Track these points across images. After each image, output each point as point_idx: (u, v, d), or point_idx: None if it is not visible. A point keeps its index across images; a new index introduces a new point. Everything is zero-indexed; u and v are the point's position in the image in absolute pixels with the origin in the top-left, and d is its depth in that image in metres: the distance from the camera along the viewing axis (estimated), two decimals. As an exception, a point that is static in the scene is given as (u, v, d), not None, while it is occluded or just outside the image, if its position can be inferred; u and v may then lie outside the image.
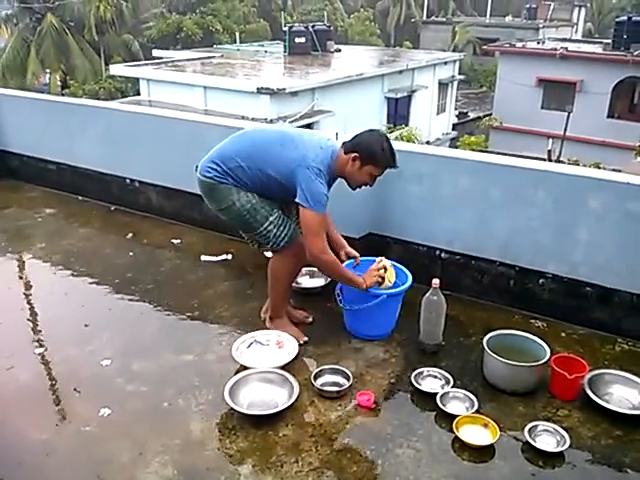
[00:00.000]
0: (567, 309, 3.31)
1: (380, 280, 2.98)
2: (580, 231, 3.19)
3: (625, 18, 24.47)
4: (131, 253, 4.19)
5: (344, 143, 2.91)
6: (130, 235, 4.46)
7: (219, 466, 2.32)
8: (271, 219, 2.92)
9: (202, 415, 2.59)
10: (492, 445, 2.42)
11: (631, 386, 2.74)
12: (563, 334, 3.24)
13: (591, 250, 3.19)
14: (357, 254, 3.20)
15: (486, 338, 2.83)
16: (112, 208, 5.00)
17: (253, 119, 12.78)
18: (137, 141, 4.71)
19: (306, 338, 3.08)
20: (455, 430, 2.45)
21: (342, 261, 3.11)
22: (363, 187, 2.99)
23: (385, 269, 3.01)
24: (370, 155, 2.82)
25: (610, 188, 3.09)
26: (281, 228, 2.93)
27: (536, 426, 2.50)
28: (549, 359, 2.74)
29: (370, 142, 2.84)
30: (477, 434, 2.46)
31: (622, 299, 3.18)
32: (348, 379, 2.75)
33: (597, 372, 2.79)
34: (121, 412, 2.61)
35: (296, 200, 2.78)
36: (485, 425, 2.49)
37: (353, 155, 2.83)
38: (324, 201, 2.78)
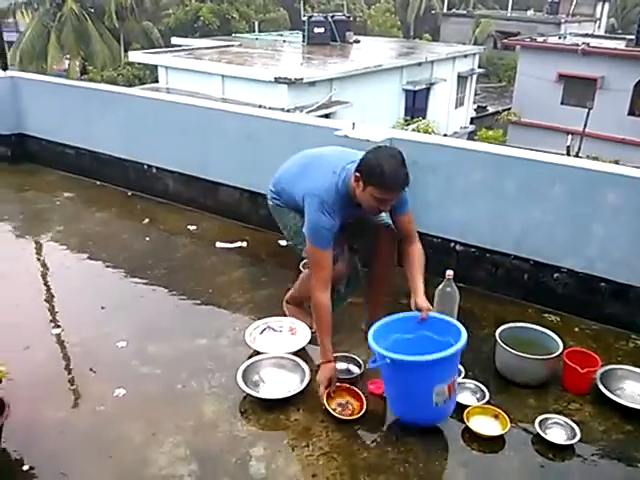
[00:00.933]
0: (581, 304, 3.30)
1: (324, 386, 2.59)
2: (596, 226, 3.17)
3: (649, 13, 24.07)
4: (147, 238, 4.24)
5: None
6: (147, 220, 4.51)
7: (231, 448, 2.35)
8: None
9: (215, 398, 2.62)
10: (502, 436, 2.43)
11: (644, 382, 2.74)
12: (576, 329, 3.23)
13: (607, 245, 3.17)
14: (426, 308, 2.61)
15: (499, 330, 2.84)
16: (129, 193, 5.05)
17: (270, 108, 12.79)
18: (155, 127, 4.75)
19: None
20: (465, 420, 2.46)
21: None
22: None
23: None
24: (369, 175, 2.49)
25: (626, 183, 3.08)
26: None
27: (547, 419, 2.50)
28: (561, 353, 2.74)
29: (370, 160, 2.51)
30: (487, 425, 2.47)
31: (637, 295, 3.16)
32: (359, 367, 2.77)
33: (610, 367, 2.79)
34: (135, 393, 2.66)
35: (303, 230, 2.69)
36: (495, 416, 2.50)
37: (355, 175, 2.55)
38: (326, 235, 2.59)
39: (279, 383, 2.66)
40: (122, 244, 4.16)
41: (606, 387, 2.68)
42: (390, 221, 2.87)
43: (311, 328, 3.01)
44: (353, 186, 2.58)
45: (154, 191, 4.92)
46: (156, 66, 18.27)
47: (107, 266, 3.82)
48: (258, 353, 2.83)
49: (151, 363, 2.86)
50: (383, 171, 2.45)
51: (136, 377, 2.77)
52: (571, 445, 2.40)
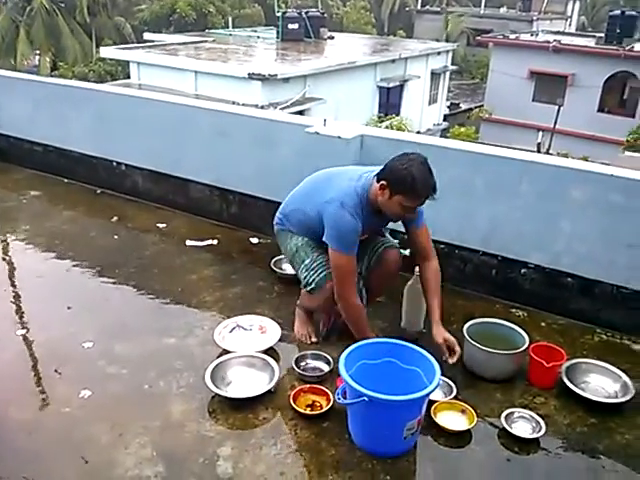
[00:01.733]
0: (548, 299, 3.35)
1: None
2: (563, 222, 3.22)
3: (619, 12, 24.51)
4: (116, 236, 4.18)
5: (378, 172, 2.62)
6: (115, 218, 4.45)
7: (198, 448, 2.34)
8: (306, 262, 2.83)
9: (182, 398, 2.60)
10: (469, 431, 2.45)
11: (607, 375, 2.79)
12: (543, 323, 3.28)
13: (574, 241, 3.22)
14: (443, 341, 2.68)
15: (466, 326, 2.86)
16: (98, 191, 4.97)
17: (244, 105, 12.73)
18: (125, 124, 4.69)
19: (315, 339, 3.01)
20: (433, 416, 2.48)
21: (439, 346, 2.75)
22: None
23: None
24: (398, 183, 2.48)
25: (594, 180, 3.13)
26: (311, 272, 2.81)
27: (513, 413, 2.54)
28: (528, 347, 2.77)
29: (398, 168, 2.48)
30: (455, 420, 2.49)
31: (602, 290, 3.22)
32: (329, 364, 2.77)
33: (575, 361, 2.83)
34: (102, 394, 2.62)
35: (323, 239, 2.66)
36: (463, 411, 2.52)
37: (381, 183, 2.53)
38: (351, 238, 2.59)
39: (248, 382, 2.65)
40: (90, 242, 4.10)
41: (571, 381, 2.72)
42: (394, 241, 2.94)
43: (308, 339, 3.01)
44: (375, 193, 2.58)
45: (123, 189, 4.86)
46: (128, 62, 18.04)
47: (74, 265, 3.76)
48: (227, 352, 2.81)
49: (118, 363, 2.82)
50: (414, 180, 2.44)
51: (102, 378, 2.73)
52: (536, 438, 2.44)
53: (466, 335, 2.81)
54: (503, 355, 2.74)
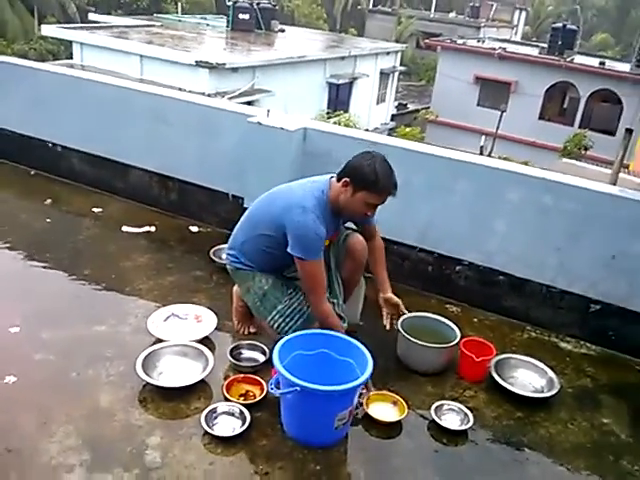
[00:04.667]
0: (481, 296, 3.44)
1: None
2: (497, 222, 3.31)
3: (560, 25, 25.44)
4: (48, 220, 4.03)
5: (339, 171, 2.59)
6: (49, 201, 4.28)
7: (126, 437, 2.28)
8: (278, 308, 2.68)
9: (112, 386, 2.53)
10: (399, 422, 2.49)
11: (534, 371, 2.90)
12: (475, 319, 3.37)
13: (506, 240, 3.32)
14: (397, 301, 2.83)
15: (400, 320, 2.90)
16: (32, 172, 4.78)
17: (190, 92, 12.50)
18: (62, 104, 4.52)
19: (253, 330, 2.96)
20: (365, 407, 2.50)
21: (379, 305, 2.88)
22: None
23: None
24: (361, 179, 2.47)
25: (527, 182, 3.23)
26: (287, 319, 2.67)
27: (442, 405, 2.59)
28: (459, 342, 2.84)
29: (361, 164, 2.49)
30: (386, 411, 2.52)
31: (533, 289, 3.34)
32: (265, 354, 2.76)
33: (504, 356, 2.93)
34: (27, 380, 2.52)
35: (288, 251, 2.52)
36: (394, 403, 2.56)
37: (344, 180, 2.51)
38: (318, 244, 2.49)
39: (181, 371, 2.60)
40: (21, 225, 3.93)
41: (500, 375, 2.81)
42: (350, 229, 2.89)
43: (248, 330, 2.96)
44: (337, 192, 2.54)
45: (59, 171, 4.68)
46: (71, 42, 17.41)
47: (2, 247, 3.60)
48: (161, 341, 2.75)
49: (45, 350, 2.72)
50: (378, 175, 2.45)
51: (29, 364, 2.63)
52: (464, 430, 2.50)
53: (400, 329, 2.85)
54: (434, 349, 2.80)
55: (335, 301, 2.76)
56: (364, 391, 2.53)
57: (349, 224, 2.91)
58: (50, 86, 4.60)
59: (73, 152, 4.59)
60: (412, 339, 2.79)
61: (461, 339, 2.86)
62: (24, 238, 3.72)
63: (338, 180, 2.56)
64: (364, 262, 2.87)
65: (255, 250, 2.71)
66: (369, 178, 2.46)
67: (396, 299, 2.84)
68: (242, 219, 2.83)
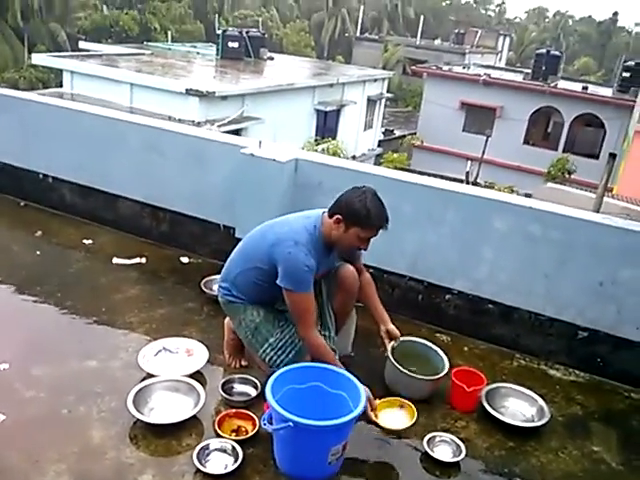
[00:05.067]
0: (471, 324, 3.47)
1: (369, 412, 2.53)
2: (485, 250, 3.35)
3: (544, 51, 25.97)
4: (38, 252, 4.02)
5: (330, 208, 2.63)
6: (39, 233, 4.27)
7: (117, 475, 2.26)
8: (270, 341, 2.68)
9: (103, 423, 2.51)
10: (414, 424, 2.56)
11: (525, 399, 2.91)
12: (465, 348, 3.39)
13: (495, 269, 3.36)
14: (398, 335, 2.87)
15: (390, 346, 2.87)
16: (22, 204, 4.78)
17: (180, 120, 12.59)
18: (52, 135, 4.54)
19: (245, 363, 2.97)
20: (375, 418, 2.53)
21: (381, 338, 2.88)
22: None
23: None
24: (353, 215, 2.51)
25: (514, 211, 3.28)
26: (279, 353, 2.67)
27: (434, 437, 2.60)
28: (447, 372, 2.85)
29: (352, 200, 2.52)
30: (396, 417, 2.57)
31: (521, 317, 3.37)
32: (256, 388, 2.75)
33: (494, 385, 2.94)
34: (17, 418, 2.50)
35: (277, 283, 2.54)
36: (401, 406, 2.60)
37: (336, 217, 2.55)
38: (307, 277, 2.51)
39: (172, 407, 2.59)
40: (10, 257, 3.92)
41: (490, 405, 2.82)
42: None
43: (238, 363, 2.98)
44: (330, 228, 2.58)
45: (49, 202, 4.68)
46: (62, 70, 17.52)
47: (-8, 281, 3.59)
48: (152, 376, 2.74)
49: (35, 386, 2.70)
50: (369, 211, 2.50)
51: (18, 402, 2.60)
52: (457, 462, 2.50)
53: (390, 356, 2.85)
54: (422, 380, 2.81)
55: (327, 334, 2.77)
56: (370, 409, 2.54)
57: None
58: (41, 117, 4.62)
59: (64, 183, 4.60)
60: (401, 368, 2.79)
61: (450, 369, 2.87)
62: (14, 271, 3.71)
63: (330, 216, 2.59)
64: (356, 292, 2.88)
65: (247, 283, 2.72)
66: (361, 214, 2.50)
67: (397, 332, 2.86)
68: (234, 252, 2.85)
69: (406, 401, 2.62)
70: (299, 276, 2.51)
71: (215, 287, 3.55)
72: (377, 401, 2.61)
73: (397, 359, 2.84)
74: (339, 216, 2.54)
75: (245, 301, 2.75)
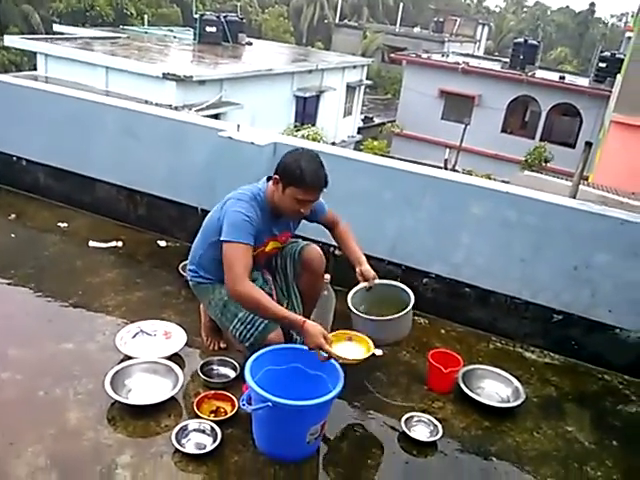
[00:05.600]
0: (448, 307, 3.51)
1: (323, 352, 2.35)
2: (462, 235, 3.39)
3: (522, 40, 26.09)
4: (13, 235, 3.96)
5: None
6: (13, 216, 4.20)
7: (95, 457, 2.25)
8: (239, 315, 2.62)
9: (80, 405, 2.50)
10: (371, 435, 2.52)
11: (501, 381, 2.96)
12: (443, 331, 3.43)
13: (471, 253, 3.39)
14: (372, 276, 2.75)
15: (350, 295, 2.74)
16: (-5, 187, 4.69)
17: (157, 104, 12.42)
18: (26, 118, 4.45)
19: (223, 345, 2.96)
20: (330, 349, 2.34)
21: (356, 280, 2.77)
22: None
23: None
24: (288, 175, 2.51)
25: (491, 196, 3.32)
26: (248, 327, 2.60)
27: (412, 417, 2.63)
28: (408, 311, 2.69)
29: (288, 162, 2.53)
30: (350, 349, 2.44)
31: (498, 300, 3.42)
32: (235, 370, 2.76)
33: (471, 367, 2.98)
34: (-8, 400, 2.47)
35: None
36: (350, 338, 2.50)
37: (273, 178, 2.57)
38: (245, 226, 2.49)
39: (150, 389, 2.58)
40: (-16, 241, 3.86)
41: (467, 386, 2.86)
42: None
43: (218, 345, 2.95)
44: (271, 191, 2.59)
45: (23, 185, 4.60)
46: (35, 53, 17.15)
47: (-35, 264, 3.53)
48: (129, 358, 2.73)
49: (11, 368, 2.67)
50: (302, 171, 2.47)
51: (-6, 384, 2.58)
52: (434, 442, 2.54)
53: (351, 306, 2.70)
54: (381, 321, 2.64)
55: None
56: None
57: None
58: (14, 99, 4.53)
59: (38, 166, 4.53)
60: (354, 310, 2.66)
61: (415, 306, 2.74)
62: (-13, 254, 3.65)
63: (272, 179, 2.61)
64: (322, 272, 2.87)
65: (210, 261, 2.72)
66: (295, 173, 2.49)
67: (373, 273, 2.76)
68: (198, 234, 2.85)
69: (351, 332, 2.52)
70: (236, 225, 2.49)
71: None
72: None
73: (373, 304, 2.74)
74: (276, 177, 2.56)
75: (213, 281, 2.74)
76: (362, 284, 2.77)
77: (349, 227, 2.93)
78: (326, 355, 2.33)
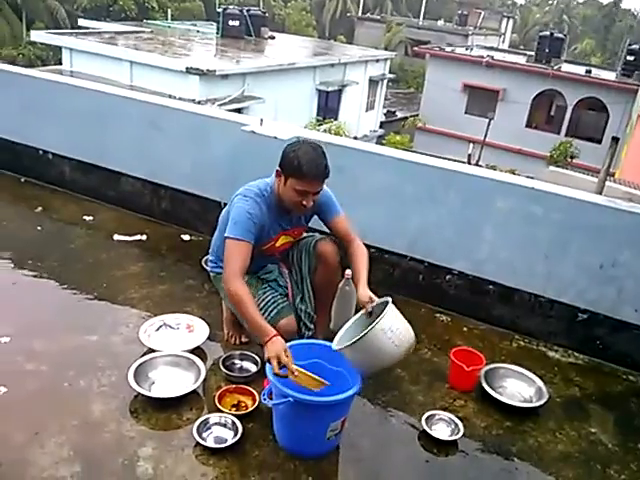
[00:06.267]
0: (470, 305, 3.47)
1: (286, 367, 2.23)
2: (486, 231, 3.34)
3: (548, 33, 25.72)
4: (39, 228, 4.02)
5: None
6: (39, 209, 4.27)
7: (118, 448, 2.28)
8: None
9: (103, 397, 2.53)
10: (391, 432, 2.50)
11: (523, 380, 2.92)
12: (465, 328, 3.39)
13: (495, 249, 3.35)
14: (366, 299, 2.50)
15: (364, 312, 2.49)
16: (22, 180, 4.76)
17: (180, 99, 12.50)
18: (52, 111, 4.51)
19: (245, 339, 2.98)
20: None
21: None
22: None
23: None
24: (287, 166, 2.50)
25: (515, 191, 3.27)
26: (260, 311, 2.53)
27: (433, 415, 2.61)
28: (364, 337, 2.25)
29: (287, 152, 2.52)
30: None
31: (521, 298, 3.37)
32: (257, 364, 2.77)
33: (493, 366, 2.95)
34: (18, 391, 2.51)
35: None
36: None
37: (276, 170, 2.56)
38: (246, 223, 2.50)
39: (173, 382, 2.60)
40: (11, 233, 3.92)
41: (489, 385, 2.83)
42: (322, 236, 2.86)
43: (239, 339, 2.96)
44: (276, 184, 2.58)
45: (49, 178, 4.67)
46: (60, 48, 17.36)
47: (-8, 256, 3.59)
48: (153, 351, 2.76)
49: (37, 360, 2.71)
50: (300, 161, 2.46)
51: (19, 374, 2.62)
52: (454, 440, 2.52)
53: (334, 343, 2.41)
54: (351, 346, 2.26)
55: (303, 307, 2.79)
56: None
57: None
58: (40, 93, 4.59)
59: (64, 159, 4.58)
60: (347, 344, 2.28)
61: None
62: (15, 247, 3.71)
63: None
64: (336, 265, 2.82)
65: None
66: (293, 163, 2.48)
67: (366, 297, 2.50)
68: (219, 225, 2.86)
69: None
70: (237, 221, 2.51)
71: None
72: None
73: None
74: (278, 168, 2.55)
75: None
76: (361, 312, 2.54)
77: (362, 249, 2.77)
78: (286, 372, 2.22)
